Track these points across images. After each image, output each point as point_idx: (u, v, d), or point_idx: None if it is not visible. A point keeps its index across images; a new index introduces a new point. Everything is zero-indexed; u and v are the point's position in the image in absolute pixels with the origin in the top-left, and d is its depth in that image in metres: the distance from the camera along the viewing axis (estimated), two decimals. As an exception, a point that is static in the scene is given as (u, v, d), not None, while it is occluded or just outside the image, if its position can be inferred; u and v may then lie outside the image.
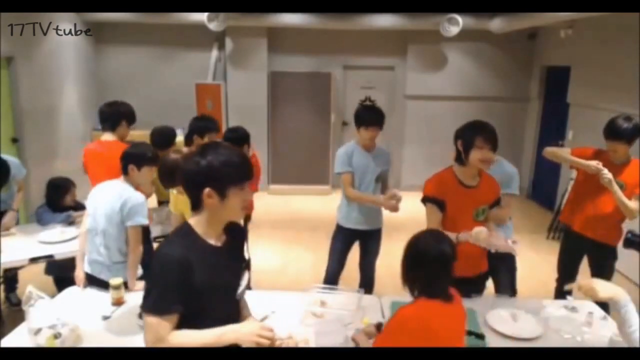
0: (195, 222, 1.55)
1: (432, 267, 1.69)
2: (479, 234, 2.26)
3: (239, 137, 3.66)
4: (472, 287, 2.63)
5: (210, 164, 1.47)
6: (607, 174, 2.89)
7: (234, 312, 1.68)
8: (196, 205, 1.53)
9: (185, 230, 1.55)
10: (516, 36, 7.15)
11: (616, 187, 2.92)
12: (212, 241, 1.57)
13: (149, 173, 2.68)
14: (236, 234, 1.68)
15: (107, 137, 3.49)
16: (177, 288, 1.45)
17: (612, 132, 2.95)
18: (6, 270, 3.32)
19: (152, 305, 1.46)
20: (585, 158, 3.06)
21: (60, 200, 3.75)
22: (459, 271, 2.59)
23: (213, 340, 1.50)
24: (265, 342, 1.49)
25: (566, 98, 6.35)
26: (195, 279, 1.47)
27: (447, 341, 1.68)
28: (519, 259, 3.09)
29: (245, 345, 1.51)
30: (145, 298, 1.48)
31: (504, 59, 7.47)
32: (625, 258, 4.14)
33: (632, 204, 2.94)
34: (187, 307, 1.48)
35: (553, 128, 6.89)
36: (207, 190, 1.47)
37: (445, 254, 1.70)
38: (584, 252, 3.32)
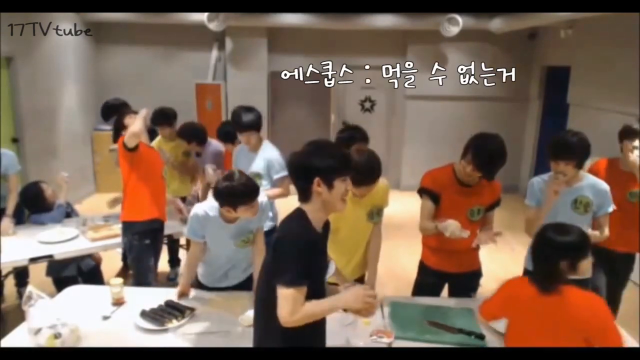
0: (307, 209, 1.72)
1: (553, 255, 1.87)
2: (449, 226, 2.30)
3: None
4: (464, 284, 2.66)
5: (320, 157, 1.67)
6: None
7: (322, 294, 1.82)
8: (305, 194, 1.70)
9: (302, 215, 1.71)
10: (516, 36, 7.14)
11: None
12: (318, 229, 1.74)
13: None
14: (326, 227, 1.85)
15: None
16: (308, 265, 1.63)
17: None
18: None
19: (290, 280, 1.61)
20: (597, 171, 2.94)
21: (41, 205, 3.69)
22: (447, 267, 2.62)
23: (329, 308, 1.72)
24: (371, 301, 1.69)
25: (566, 98, 6.35)
26: (315, 260, 1.69)
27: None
28: (518, 259, 3.09)
29: (353, 308, 1.72)
30: (282, 274, 1.61)
31: (504, 59, 7.44)
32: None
33: None
34: None
35: (553, 128, 6.88)
36: (317, 179, 1.64)
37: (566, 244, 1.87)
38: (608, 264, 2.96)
